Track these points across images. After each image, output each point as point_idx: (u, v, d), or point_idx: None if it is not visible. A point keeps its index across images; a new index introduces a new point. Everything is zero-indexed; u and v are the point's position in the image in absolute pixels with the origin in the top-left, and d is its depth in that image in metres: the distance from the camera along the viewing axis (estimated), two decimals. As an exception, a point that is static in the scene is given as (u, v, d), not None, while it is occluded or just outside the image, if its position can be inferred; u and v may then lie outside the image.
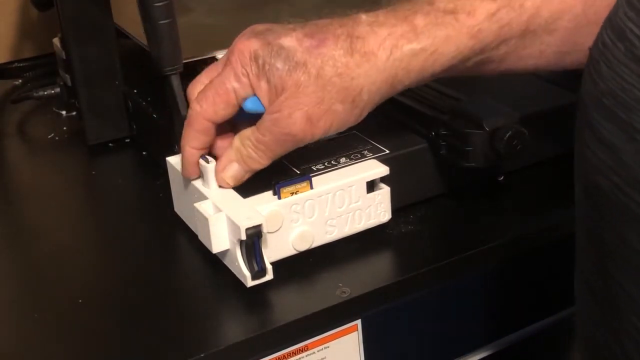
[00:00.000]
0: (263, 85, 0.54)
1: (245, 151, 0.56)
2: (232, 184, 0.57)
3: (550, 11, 0.55)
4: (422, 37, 0.54)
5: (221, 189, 0.58)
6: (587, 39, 0.51)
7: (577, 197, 0.45)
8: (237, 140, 0.57)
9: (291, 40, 0.54)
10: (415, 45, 0.54)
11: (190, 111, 0.57)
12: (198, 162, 0.58)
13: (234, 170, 0.57)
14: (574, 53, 0.57)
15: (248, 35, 0.55)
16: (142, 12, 0.58)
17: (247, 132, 0.56)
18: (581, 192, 0.44)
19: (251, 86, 0.55)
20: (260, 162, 0.56)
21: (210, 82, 0.56)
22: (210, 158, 0.58)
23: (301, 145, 0.56)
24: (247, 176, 0.57)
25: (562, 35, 0.56)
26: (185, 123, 0.57)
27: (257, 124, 0.56)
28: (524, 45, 0.56)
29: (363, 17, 0.55)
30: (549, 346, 0.70)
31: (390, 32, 0.54)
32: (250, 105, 0.55)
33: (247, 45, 0.54)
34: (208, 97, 0.55)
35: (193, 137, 0.57)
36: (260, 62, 0.54)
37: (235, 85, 0.55)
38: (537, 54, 0.57)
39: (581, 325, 0.47)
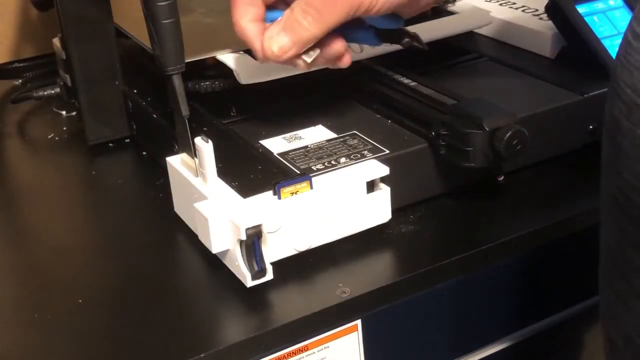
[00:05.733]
0: None
1: (294, 16, 0.53)
2: (277, 53, 0.53)
3: None
4: None
5: (220, 189, 0.58)
6: None
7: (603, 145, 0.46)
8: (288, 9, 0.54)
9: None
10: None
11: None
12: (253, 36, 0.55)
13: (281, 41, 0.53)
14: None
15: None
16: (146, 11, 0.58)
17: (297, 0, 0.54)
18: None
19: None
20: (310, 30, 0.52)
21: None
22: (208, 138, 0.58)
23: (351, 12, 0.53)
24: (294, 49, 0.54)
25: None
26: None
27: None
28: None
29: None
30: (549, 346, 0.70)
31: None
32: None
33: None
34: None
35: (242, 11, 0.55)
36: None
37: None
38: None
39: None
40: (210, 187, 0.58)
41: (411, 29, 0.76)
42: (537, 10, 0.84)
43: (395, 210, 0.61)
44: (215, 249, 0.56)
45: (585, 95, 0.68)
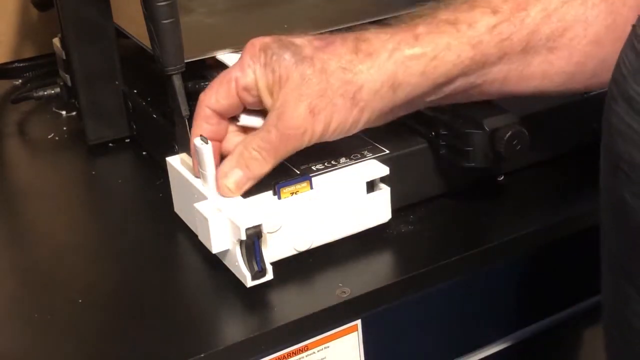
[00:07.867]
0: (268, 74, 0.56)
1: (249, 153, 0.56)
2: (234, 191, 0.57)
3: (550, 29, 0.56)
4: (423, 43, 0.56)
5: (221, 189, 0.58)
6: (591, 61, 0.54)
7: (605, 175, 0.46)
8: (240, 145, 0.58)
9: (302, 40, 0.57)
10: (416, 50, 0.56)
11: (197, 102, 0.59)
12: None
13: (236, 176, 0.57)
14: (580, 75, 0.58)
15: (262, 36, 0.58)
16: (145, 11, 0.58)
17: (250, 137, 0.57)
18: (610, 167, 0.44)
19: (255, 77, 0.57)
20: (264, 164, 0.57)
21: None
22: (207, 139, 0.58)
23: (303, 144, 0.57)
24: (249, 184, 0.57)
25: (566, 55, 0.57)
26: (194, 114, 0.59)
27: (263, 123, 0.57)
28: (526, 63, 0.57)
29: (370, 28, 0.58)
30: (550, 345, 0.70)
31: (392, 37, 0.56)
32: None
33: (259, 39, 0.57)
34: (212, 86, 0.58)
35: (197, 125, 0.59)
36: (269, 52, 0.56)
37: (238, 74, 0.57)
38: (540, 75, 0.58)
39: (609, 304, 0.48)
40: (210, 187, 0.58)
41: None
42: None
43: (395, 210, 0.61)
44: (215, 249, 0.56)
45: (585, 95, 0.68)
